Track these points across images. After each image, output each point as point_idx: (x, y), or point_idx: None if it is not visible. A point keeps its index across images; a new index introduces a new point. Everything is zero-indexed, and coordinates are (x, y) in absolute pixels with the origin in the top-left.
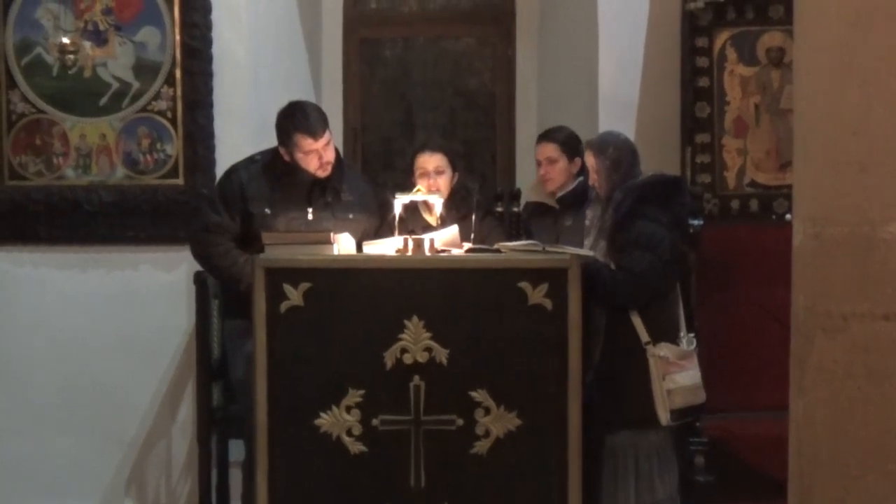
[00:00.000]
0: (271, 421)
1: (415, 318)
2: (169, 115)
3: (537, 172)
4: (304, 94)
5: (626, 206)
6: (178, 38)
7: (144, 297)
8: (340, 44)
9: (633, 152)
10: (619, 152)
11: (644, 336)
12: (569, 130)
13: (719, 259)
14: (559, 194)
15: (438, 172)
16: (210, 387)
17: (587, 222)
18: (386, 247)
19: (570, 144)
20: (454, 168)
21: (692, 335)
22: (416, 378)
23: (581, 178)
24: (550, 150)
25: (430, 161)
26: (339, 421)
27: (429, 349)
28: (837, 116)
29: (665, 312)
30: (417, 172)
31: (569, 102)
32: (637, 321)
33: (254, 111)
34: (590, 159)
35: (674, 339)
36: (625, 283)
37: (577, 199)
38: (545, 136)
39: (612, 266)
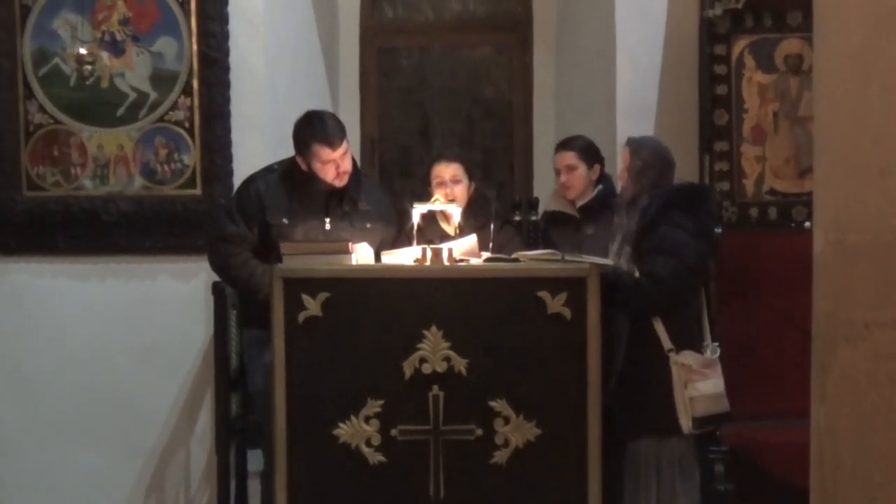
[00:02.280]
0: (290, 431)
1: (433, 328)
2: (186, 125)
3: (556, 181)
4: (322, 103)
5: (651, 211)
6: (195, 47)
7: (162, 307)
8: (357, 53)
9: (666, 162)
10: (653, 157)
11: (667, 343)
12: (587, 138)
13: (738, 267)
14: (580, 203)
15: (455, 181)
16: (228, 397)
17: (614, 228)
18: (404, 256)
19: (589, 152)
20: (471, 177)
21: (716, 344)
22: (435, 388)
23: (601, 187)
24: (569, 157)
25: (447, 170)
26: (358, 431)
27: (447, 359)
28: (858, 123)
29: (688, 320)
30: (434, 182)
31: (586, 110)
32: (660, 328)
33: (271, 121)
34: (625, 155)
35: (697, 347)
36: (648, 288)
37: (598, 208)
38: (563, 145)
39: (636, 271)
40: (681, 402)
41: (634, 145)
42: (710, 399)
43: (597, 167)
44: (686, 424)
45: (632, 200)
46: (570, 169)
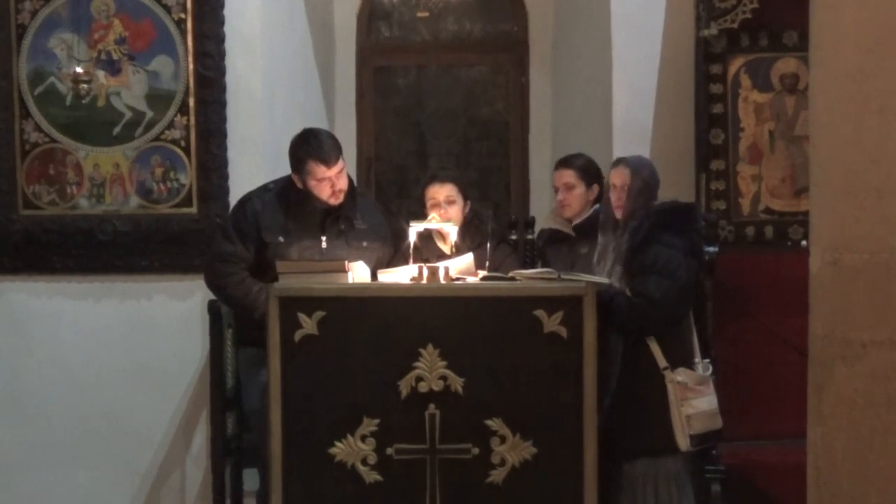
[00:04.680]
0: (286, 450)
1: (430, 347)
2: (182, 144)
3: (555, 198)
4: (318, 122)
5: (643, 232)
6: (191, 67)
7: (158, 327)
8: (354, 72)
9: (658, 182)
10: (653, 178)
11: (661, 362)
12: (588, 158)
13: (735, 286)
14: (575, 222)
15: (449, 202)
16: (224, 416)
17: (599, 248)
18: (401, 275)
19: (589, 171)
20: (465, 197)
21: (707, 361)
22: (432, 406)
23: (597, 206)
24: (568, 175)
25: (441, 191)
26: (354, 450)
27: (444, 377)
28: (856, 143)
29: (681, 338)
30: (428, 203)
31: (583, 130)
32: (654, 347)
33: (267, 140)
34: (622, 176)
35: (690, 364)
36: (642, 309)
37: (593, 228)
38: (564, 162)
39: (628, 291)
40: (677, 421)
41: (635, 165)
42: (705, 416)
43: (595, 187)
44: (683, 443)
45: (625, 218)
46: (569, 188)
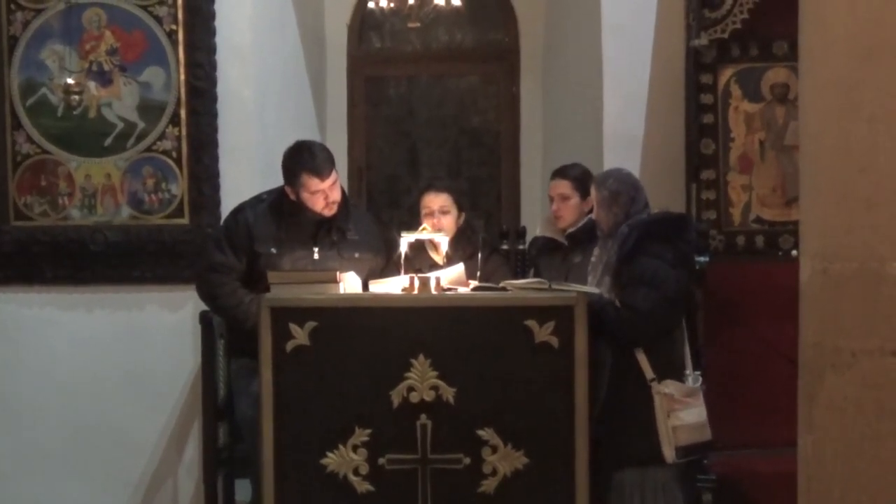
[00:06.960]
0: (278, 460)
1: (421, 357)
2: (174, 154)
3: (549, 208)
4: (310, 132)
5: (630, 242)
6: (182, 77)
7: (150, 337)
8: (345, 83)
9: (634, 187)
10: (618, 185)
11: (649, 373)
12: (583, 168)
13: (725, 295)
14: (568, 231)
15: (443, 212)
16: (216, 426)
17: (593, 259)
18: (392, 285)
19: (585, 182)
20: (460, 208)
21: (698, 373)
22: (423, 417)
23: (590, 216)
24: (564, 186)
25: (435, 200)
26: (346, 460)
27: (435, 388)
28: (845, 153)
29: (670, 349)
30: (423, 212)
31: (574, 139)
32: (642, 358)
33: (259, 150)
34: (593, 192)
35: (679, 376)
36: (630, 321)
37: (586, 236)
38: (559, 173)
39: (617, 302)
40: (664, 432)
41: (599, 178)
42: (692, 428)
43: (590, 198)
44: (669, 454)
45: (609, 231)
46: (564, 198)
